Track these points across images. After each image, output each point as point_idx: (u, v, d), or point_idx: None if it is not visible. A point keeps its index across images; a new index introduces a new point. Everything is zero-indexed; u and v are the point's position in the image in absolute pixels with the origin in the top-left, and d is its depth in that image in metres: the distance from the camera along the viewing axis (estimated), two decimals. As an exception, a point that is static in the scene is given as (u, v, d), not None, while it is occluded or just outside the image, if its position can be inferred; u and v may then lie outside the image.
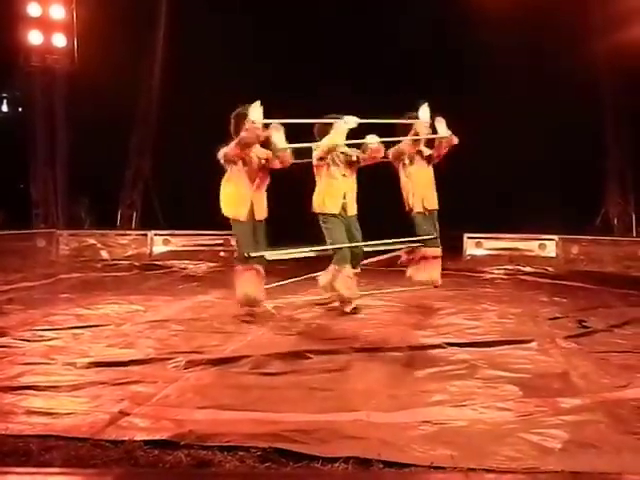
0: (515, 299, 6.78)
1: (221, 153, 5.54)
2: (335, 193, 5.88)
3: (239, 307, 5.70)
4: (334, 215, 5.85)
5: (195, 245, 10.80)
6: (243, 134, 5.38)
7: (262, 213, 5.70)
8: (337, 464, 2.49)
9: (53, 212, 11.47)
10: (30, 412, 3.09)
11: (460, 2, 10.36)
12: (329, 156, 5.82)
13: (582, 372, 3.79)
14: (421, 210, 6.23)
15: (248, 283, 5.56)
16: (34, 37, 10.72)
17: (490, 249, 10.56)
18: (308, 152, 5.88)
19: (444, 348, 4.41)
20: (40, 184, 11.36)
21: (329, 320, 5.60)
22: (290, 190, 6.85)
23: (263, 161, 5.67)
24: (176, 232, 10.93)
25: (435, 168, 6.38)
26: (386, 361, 4.12)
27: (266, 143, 5.65)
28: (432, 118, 6.09)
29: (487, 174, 10.52)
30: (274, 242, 5.86)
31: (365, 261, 6.60)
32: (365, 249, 6.15)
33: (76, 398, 3.34)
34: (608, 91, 10.94)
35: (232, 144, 5.48)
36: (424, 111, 6.04)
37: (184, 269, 9.56)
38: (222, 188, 5.69)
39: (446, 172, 6.46)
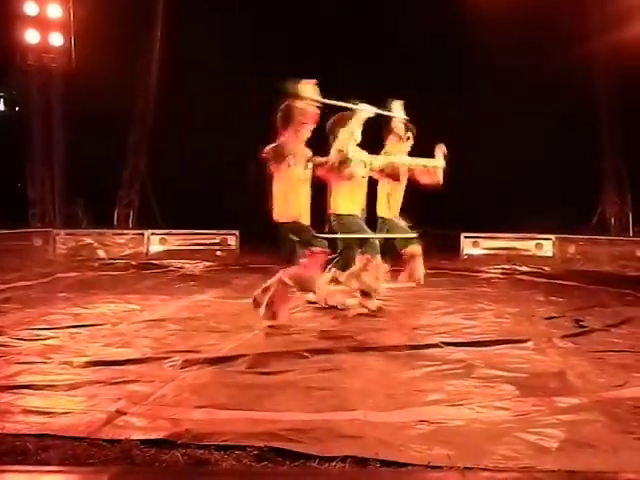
0: (512, 298, 6.80)
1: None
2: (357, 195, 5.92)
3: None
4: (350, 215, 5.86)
5: (192, 244, 10.82)
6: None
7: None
8: (334, 463, 2.49)
9: (50, 211, 11.48)
10: (27, 411, 3.07)
11: (460, 2, 10.38)
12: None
13: (579, 371, 3.80)
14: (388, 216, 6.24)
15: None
16: (31, 36, 10.72)
17: (487, 249, 10.59)
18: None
19: (441, 347, 4.41)
20: (37, 183, 11.36)
21: (326, 319, 5.59)
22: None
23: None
24: (173, 231, 10.94)
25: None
26: (383, 360, 4.11)
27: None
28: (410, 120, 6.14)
29: (487, 174, 10.54)
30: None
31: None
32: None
33: (73, 397, 3.32)
34: (603, 91, 10.97)
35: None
36: (398, 109, 6.04)
37: (181, 268, 9.57)
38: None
39: (446, 172, 6.45)
